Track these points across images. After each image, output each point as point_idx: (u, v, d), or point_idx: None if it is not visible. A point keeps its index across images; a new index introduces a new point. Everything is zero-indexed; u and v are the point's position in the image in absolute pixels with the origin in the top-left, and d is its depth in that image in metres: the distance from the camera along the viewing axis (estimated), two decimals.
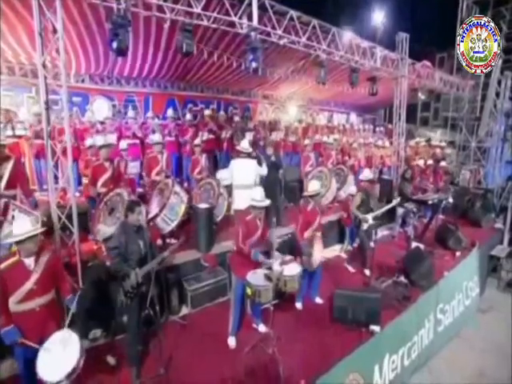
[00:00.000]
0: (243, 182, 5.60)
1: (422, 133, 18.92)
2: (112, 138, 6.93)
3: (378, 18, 19.42)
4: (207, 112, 9.80)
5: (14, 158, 4.36)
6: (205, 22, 5.29)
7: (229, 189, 6.16)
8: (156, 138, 6.51)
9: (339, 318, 4.43)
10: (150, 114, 9.08)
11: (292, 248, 4.99)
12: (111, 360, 3.70)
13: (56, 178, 4.68)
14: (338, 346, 3.96)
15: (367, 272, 5.84)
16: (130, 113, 8.69)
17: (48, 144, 4.13)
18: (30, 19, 4.90)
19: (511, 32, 11.42)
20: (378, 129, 14.32)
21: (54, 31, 4.00)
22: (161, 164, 6.17)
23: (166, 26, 5.08)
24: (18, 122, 7.15)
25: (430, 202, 7.30)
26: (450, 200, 8.07)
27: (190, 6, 5.01)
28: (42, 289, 2.88)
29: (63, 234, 4.38)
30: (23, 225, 2.81)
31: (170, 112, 8.91)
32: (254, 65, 5.71)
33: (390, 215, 7.76)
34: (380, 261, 5.89)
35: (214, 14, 5.31)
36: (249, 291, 3.63)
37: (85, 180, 6.33)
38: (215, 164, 8.76)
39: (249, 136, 8.85)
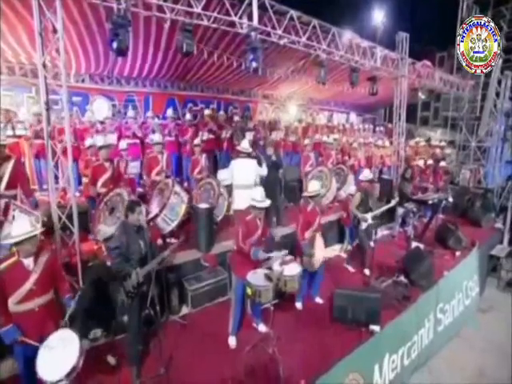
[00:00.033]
0: (243, 182, 5.60)
1: (422, 132, 18.92)
2: (112, 138, 6.95)
3: (378, 17, 19.42)
4: (207, 112, 9.79)
5: (14, 158, 4.37)
6: (205, 22, 5.29)
7: (229, 189, 6.17)
8: (156, 137, 6.51)
9: (339, 317, 4.43)
10: (149, 113, 9.06)
11: (292, 248, 4.99)
12: (111, 360, 3.70)
13: (56, 177, 4.68)
14: (338, 345, 3.97)
15: (366, 272, 5.85)
16: (130, 112, 8.67)
17: (48, 144, 4.13)
18: (30, 19, 4.90)
19: (511, 31, 11.42)
20: (377, 128, 14.30)
21: (54, 31, 4.01)
22: (161, 164, 6.17)
23: (166, 25, 5.08)
24: (18, 121, 7.16)
25: (429, 202, 7.30)
26: (450, 199, 8.08)
27: (190, 5, 5.01)
28: (41, 289, 2.88)
29: (63, 233, 4.39)
30: (22, 225, 2.81)
31: (169, 112, 8.90)
32: (254, 65, 5.71)
33: (389, 215, 7.77)
34: (380, 260, 5.90)
35: (214, 14, 5.31)
36: (249, 291, 3.62)
37: (85, 180, 6.33)
38: (215, 164, 8.76)
39: (249, 136, 8.85)
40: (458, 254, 6.76)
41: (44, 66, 4.01)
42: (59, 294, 3.09)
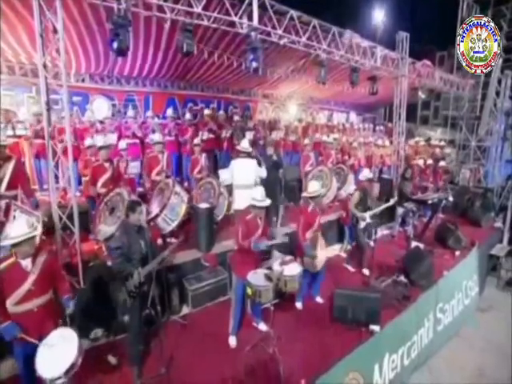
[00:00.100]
0: (243, 181, 5.60)
1: (422, 132, 18.92)
2: (112, 138, 6.95)
3: (378, 17, 19.41)
4: (207, 111, 9.80)
5: (15, 159, 4.37)
6: (205, 22, 5.28)
7: (229, 188, 6.17)
8: (156, 137, 6.52)
9: (339, 317, 4.44)
10: (149, 113, 9.07)
11: (292, 248, 5.00)
12: (112, 359, 3.72)
13: (56, 177, 4.69)
14: (338, 345, 3.98)
15: (365, 271, 5.87)
16: (130, 112, 8.68)
17: (49, 144, 4.14)
18: (30, 19, 4.91)
19: (511, 31, 11.41)
20: (377, 128, 14.30)
21: (55, 31, 4.01)
22: (161, 164, 6.17)
23: (167, 25, 5.08)
24: (18, 121, 7.17)
25: (429, 202, 7.31)
26: (451, 198, 8.09)
27: (190, 5, 5.01)
28: (40, 289, 2.89)
29: (64, 233, 4.40)
30: (19, 227, 2.82)
31: (169, 111, 8.89)
32: (254, 64, 5.71)
33: (389, 215, 7.78)
34: (380, 260, 5.90)
35: (215, 14, 5.30)
36: (249, 291, 3.64)
37: (85, 179, 6.33)
38: (215, 163, 8.77)
39: (249, 135, 8.86)
40: (457, 253, 6.77)
41: (44, 66, 4.01)
42: (59, 294, 3.10)
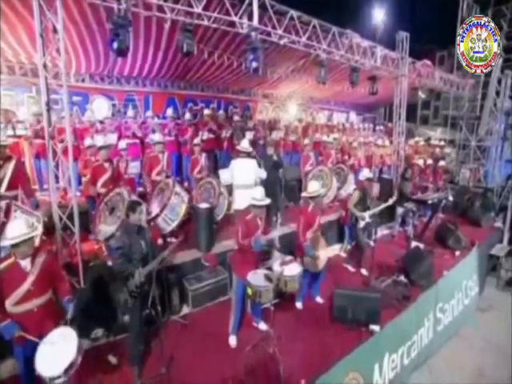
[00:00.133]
0: (243, 181, 5.61)
1: (422, 131, 18.91)
2: (112, 138, 6.96)
3: (379, 17, 19.40)
4: (207, 111, 9.80)
5: (15, 159, 4.36)
6: (205, 22, 5.28)
7: (229, 188, 6.18)
8: (157, 137, 6.52)
9: (339, 317, 4.45)
10: (149, 113, 9.07)
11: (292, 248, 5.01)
12: (113, 359, 3.72)
13: (56, 177, 4.69)
14: (338, 345, 3.99)
15: (363, 271, 5.88)
16: (130, 112, 8.69)
17: (49, 144, 4.14)
18: (30, 19, 4.91)
19: (511, 31, 11.42)
20: (377, 127, 14.31)
21: (55, 31, 4.01)
22: (162, 164, 6.17)
23: (167, 26, 5.07)
24: (18, 121, 7.17)
25: (429, 202, 7.31)
26: (451, 198, 8.09)
27: (190, 6, 5.01)
28: (39, 290, 2.89)
29: (64, 233, 4.40)
30: (18, 227, 2.82)
31: (169, 111, 8.89)
32: (254, 64, 5.71)
33: (389, 214, 7.79)
34: (380, 260, 5.90)
35: (215, 14, 5.30)
36: (249, 291, 3.64)
37: (84, 179, 6.34)
38: (215, 163, 8.77)
39: (249, 135, 8.88)
40: (457, 253, 6.78)
41: (45, 66, 4.01)
42: (59, 295, 3.10)
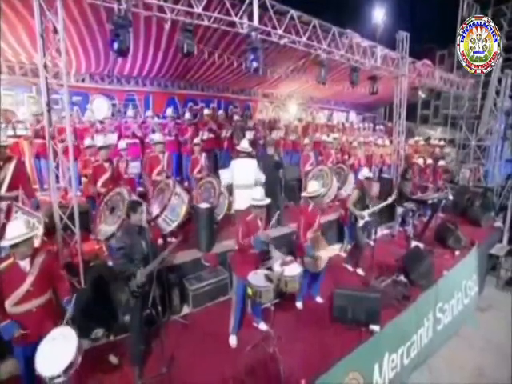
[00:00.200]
0: (244, 181, 5.61)
1: (422, 131, 18.91)
2: (112, 138, 6.96)
3: (379, 17, 19.39)
4: (207, 111, 9.79)
5: (16, 159, 4.36)
6: (205, 22, 5.28)
7: (229, 187, 6.18)
8: (157, 137, 6.51)
9: (339, 317, 4.46)
10: (149, 113, 9.06)
11: (292, 248, 5.02)
12: (113, 359, 3.73)
13: (57, 177, 4.69)
14: (338, 345, 4.00)
15: (359, 271, 5.90)
16: (130, 112, 8.68)
17: (50, 145, 4.14)
18: (30, 19, 4.91)
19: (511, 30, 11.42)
20: (377, 127, 14.32)
21: (55, 31, 4.01)
22: (162, 164, 6.17)
23: (167, 26, 5.07)
24: (18, 121, 7.17)
25: (429, 202, 7.32)
26: (451, 197, 8.09)
27: (190, 6, 5.01)
28: (39, 290, 2.90)
29: (65, 234, 4.41)
30: (17, 228, 2.83)
31: (169, 111, 8.89)
32: (254, 64, 5.71)
33: (389, 214, 7.80)
34: (380, 260, 5.91)
35: (215, 14, 5.30)
36: (250, 291, 3.65)
37: (84, 179, 6.34)
38: (215, 163, 8.77)
39: (249, 135, 8.88)
40: (457, 253, 6.78)
41: (45, 66, 4.01)
42: (58, 295, 3.10)
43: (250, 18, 5.53)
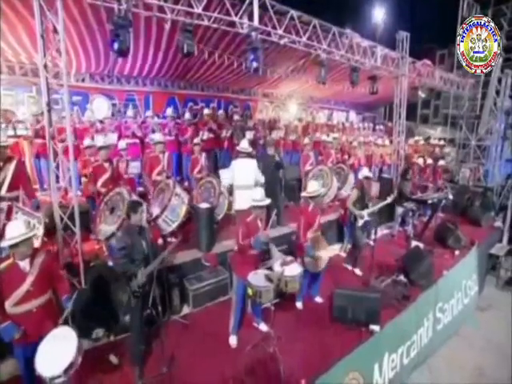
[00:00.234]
0: (244, 182, 5.60)
1: (422, 130, 18.93)
2: (112, 138, 6.96)
3: (379, 16, 19.38)
4: (207, 111, 9.80)
5: (16, 159, 4.37)
6: (205, 22, 5.28)
7: (230, 187, 6.18)
8: (157, 137, 6.52)
9: (339, 317, 4.46)
10: (149, 112, 9.06)
11: (292, 248, 5.02)
12: (114, 359, 3.73)
13: (57, 177, 4.69)
14: (338, 345, 4.00)
15: (357, 271, 5.91)
16: (130, 112, 8.68)
17: (50, 145, 4.14)
18: (30, 19, 4.91)
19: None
20: (377, 127, 14.33)
21: (55, 31, 4.01)
22: (162, 163, 6.17)
23: (167, 26, 5.07)
24: (18, 121, 7.17)
25: (429, 202, 7.32)
26: (451, 197, 8.09)
27: (190, 6, 5.01)
28: (39, 290, 2.90)
29: (65, 234, 4.41)
30: (16, 228, 2.83)
31: (169, 111, 8.89)
32: (254, 64, 5.72)
33: (389, 214, 7.80)
34: (379, 260, 5.91)
35: (215, 14, 5.30)
36: (250, 292, 3.65)
37: (84, 179, 6.34)
38: (215, 163, 8.78)
39: (249, 135, 8.88)
40: (457, 253, 6.78)
41: (45, 66, 4.02)
42: (58, 295, 3.11)
43: (250, 18, 5.53)
